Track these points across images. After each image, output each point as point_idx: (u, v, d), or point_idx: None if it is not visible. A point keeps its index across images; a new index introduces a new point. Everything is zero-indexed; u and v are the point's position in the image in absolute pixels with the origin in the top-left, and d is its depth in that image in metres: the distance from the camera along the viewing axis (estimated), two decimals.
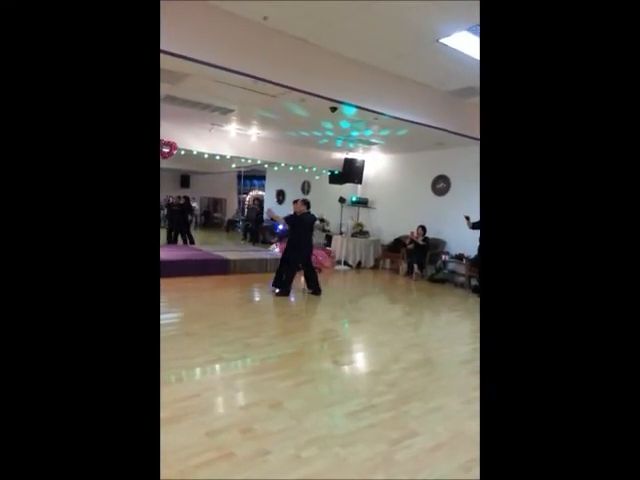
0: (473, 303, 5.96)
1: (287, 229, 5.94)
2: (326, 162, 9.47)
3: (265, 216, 6.45)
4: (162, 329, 3.89)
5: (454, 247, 7.66)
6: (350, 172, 9.25)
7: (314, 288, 5.74)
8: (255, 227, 11.98)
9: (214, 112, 6.25)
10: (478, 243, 6.30)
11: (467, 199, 7.17)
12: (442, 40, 3.73)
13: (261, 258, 7.46)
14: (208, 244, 10.08)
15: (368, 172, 9.64)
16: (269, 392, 2.72)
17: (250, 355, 3.38)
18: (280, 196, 13.19)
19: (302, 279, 5.96)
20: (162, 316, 4.39)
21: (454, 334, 4.57)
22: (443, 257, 7.63)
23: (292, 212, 5.77)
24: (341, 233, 9.24)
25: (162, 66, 4.07)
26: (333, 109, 5.24)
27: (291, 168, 9.61)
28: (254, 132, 7.90)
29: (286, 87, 4.13)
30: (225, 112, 6.24)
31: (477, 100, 4.95)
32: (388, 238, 8.98)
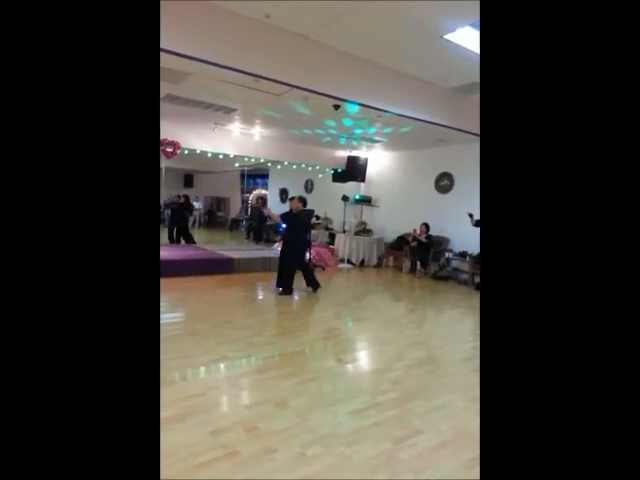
0: (476, 300, 5.94)
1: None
2: (329, 160, 9.45)
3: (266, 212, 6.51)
4: (166, 328, 3.90)
5: (457, 245, 7.64)
6: (353, 170, 9.24)
7: (312, 284, 5.75)
8: (259, 226, 11.99)
9: (217, 111, 6.25)
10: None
11: (470, 196, 7.14)
12: (446, 36, 3.72)
13: (264, 257, 7.46)
14: (212, 243, 10.11)
15: (371, 170, 9.62)
16: (273, 390, 2.73)
17: (254, 354, 3.38)
18: (283, 195, 13.19)
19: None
20: (166, 315, 4.40)
21: (457, 332, 4.57)
22: (446, 255, 7.62)
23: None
24: (344, 231, 9.22)
25: (165, 65, 4.08)
26: (336, 107, 5.23)
27: (294, 166, 9.60)
28: (257, 131, 7.90)
29: (289, 85, 4.13)
30: (228, 111, 6.24)
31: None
32: (391, 236, 8.96)
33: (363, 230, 9.02)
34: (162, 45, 3.14)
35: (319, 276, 7.36)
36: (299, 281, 5.81)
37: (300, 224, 5.59)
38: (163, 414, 2.28)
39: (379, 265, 8.87)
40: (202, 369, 3.03)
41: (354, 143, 8.44)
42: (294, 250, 5.59)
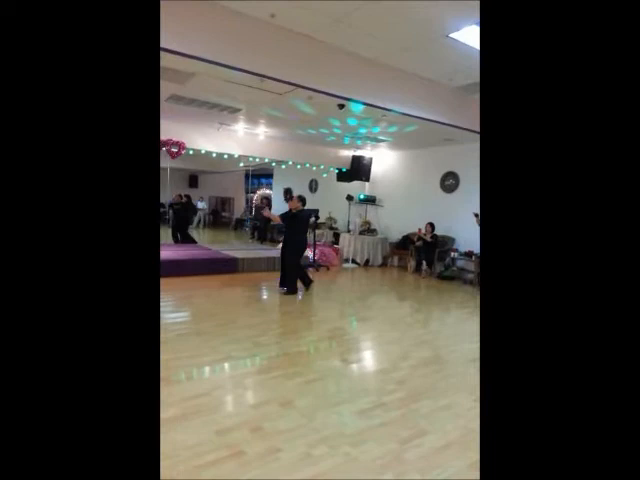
0: None
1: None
2: (334, 160, 9.44)
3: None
4: (171, 328, 3.91)
5: (463, 244, 7.61)
6: (358, 169, 9.22)
7: (305, 283, 5.74)
8: (263, 226, 12.00)
9: (222, 111, 6.26)
10: None
11: (476, 196, 7.10)
12: (451, 35, 3.69)
13: (269, 257, 7.46)
14: (216, 243, 10.13)
15: (376, 169, 9.60)
16: (279, 390, 2.73)
17: (259, 353, 3.38)
18: (288, 194, 13.18)
19: (310, 277, 5.96)
20: (171, 315, 4.41)
21: (463, 331, 4.54)
22: (452, 254, 7.58)
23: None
24: (349, 231, 9.21)
25: (170, 66, 4.09)
26: (341, 106, 5.23)
27: (299, 166, 9.60)
28: (262, 131, 7.90)
29: (293, 85, 4.12)
30: (233, 111, 6.25)
31: None
32: (396, 236, 8.94)
33: (368, 230, 9.01)
34: (167, 45, 3.15)
35: (324, 276, 7.37)
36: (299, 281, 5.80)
37: (299, 224, 5.55)
38: (168, 413, 2.29)
39: (384, 265, 8.85)
40: (207, 369, 3.03)
41: (358, 142, 8.42)
42: (295, 250, 5.56)
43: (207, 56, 3.48)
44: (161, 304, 4.60)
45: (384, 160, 9.63)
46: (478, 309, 5.44)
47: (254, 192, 14.98)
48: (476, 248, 7.13)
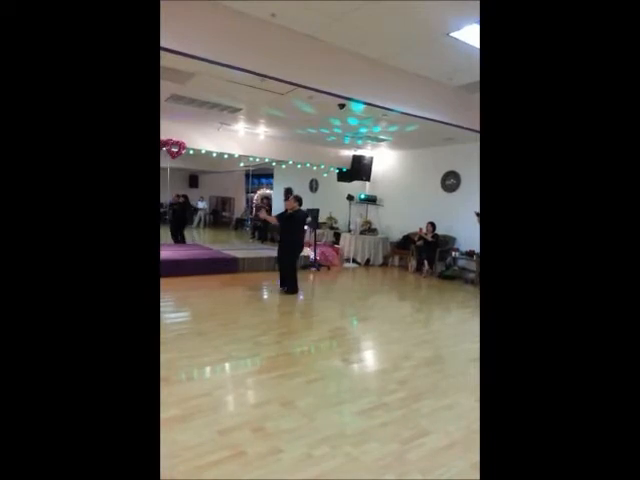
0: None
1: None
2: (334, 159, 9.44)
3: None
4: (172, 328, 3.91)
5: (464, 244, 7.60)
6: (358, 169, 9.21)
7: (290, 286, 5.61)
8: (263, 226, 12.00)
9: (222, 111, 6.25)
10: None
11: (477, 195, 7.07)
12: (452, 34, 3.69)
13: (269, 256, 7.46)
14: (217, 243, 10.12)
15: (376, 169, 9.59)
16: (280, 390, 2.72)
17: (260, 353, 3.38)
18: (288, 194, 13.18)
19: (311, 277, 5.95)
20: (172, 315, 4.42)
21: (464, 331, 4.53)
22: (453, 254, 7.57)
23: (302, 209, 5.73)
24: (349, 231, 9.21)
25: (170, 65, 4.08)
26: (341, 106, 5.22)
27: (299, 166, 9.60)
28: (262, 130, 7.90)
29: (294, 84, 4.12)
30: (233, 111, 6.24)
31: None
32: (397, 235, 8.93)
33: (368, 229, 9.00)
34: (168, 45, 3.14)
35: (324, 275, 7.37)
36: (301, 282, 5.79)
37: (296, 224, 5.53)
38: (169, 414, 2.28)
39: (385, 264, 8.85)
40: (208, 369, 3.03)
41: (359, 142, 8.41)
42: (292, 250, 5.54)
43: (207, 56, 3.47)
44: (162, 304, 4.60)
45: (385, 160, 9.62)
46: (479, 309, 5.42)
47: (254, 192, 14.97)
48: (477, 247, 7.12)
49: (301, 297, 5.55)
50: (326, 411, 2.48)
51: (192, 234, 12.71)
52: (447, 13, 3.37)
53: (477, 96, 5.38)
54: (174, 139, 7.24)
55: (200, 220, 15.25)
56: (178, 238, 9.66)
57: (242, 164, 11.58)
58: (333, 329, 4.28)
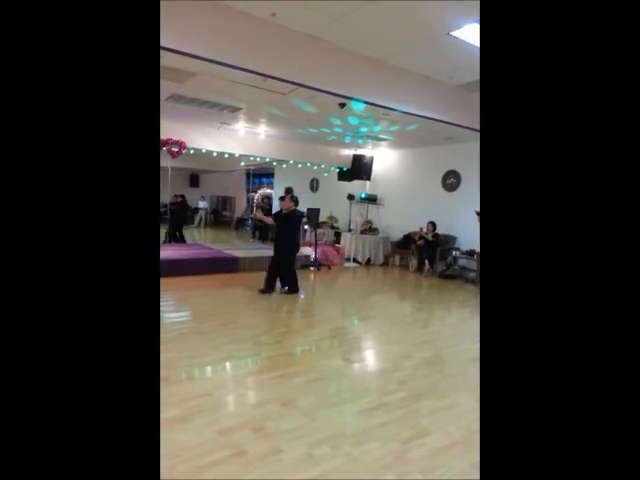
0: None
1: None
2: (335, 159, 9.43)
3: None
4: (173, 327, 3.91)
5: (465, 243, 7.59)
6: (359, 169, 9.20)
7: (269, 286, 5.51)
8: (264, 225, 11.99)
9: (222, 110, 6.25)
10: None
11: (478, 195, 7.07)
12: (452, 33, 3.68)
13: (270, 256, 7.44)
14: (217, 242, 10.12)
15: (377, 168, 9.58)
16: (280, 390, 2.72)
17: (261, 353, 3.38)
18: (289, 194, 13.16)
19: (312, 276, 5.95)
20: (172, 314, 4.42)
21: (465, 331, 4.53)
22: (454, 253, 7.57)
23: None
24: (350, 230, 9.20)
25: (170, 65, 4.08)
26: (342, 105, 5.21)
27: (300, 165, 9.59)
28: (262, 130, 7.89)
29: (295, 84, 4.11)
30: (233, 110, 6.24)
31: None
32: (398, 235, 8.92)
33: (369, 229, 9.00)
34: (168, 44, 3.14)
35: (325, 275, 7.36)
36: (302, 282, 5.77)
37: (291, 224, 5.50)
38: (170, 414, 2.29)
39: (385, 264, 8.84)
40: (209, 368, 3.03)
41: (360, 141, 8.41)
42: (289, 250, 5.50)
43: (207, 55, 3.47)
44: (162, 304, 4.60)
45: (385, 159, 9.61)
46: (479, 308, 5.42)
47: (255, 191, 14.97)
48: (478, 247, 7.11)
49: (302, 296, 5.55)
50: (326, 411, 2.48)
51: (193, 233, 12.73)
52: (447, 12, 3.37)
53: (477, 95, 5.36)
54: (174, 138, 7.24)
55: (201, 219, 15.26)
56: (176, 237, 9.66)
57: (243, 163, 11.58)
58: (334, 328, 4.28)
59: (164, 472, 1.67)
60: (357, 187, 9.77)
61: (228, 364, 3.14)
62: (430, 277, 7.53)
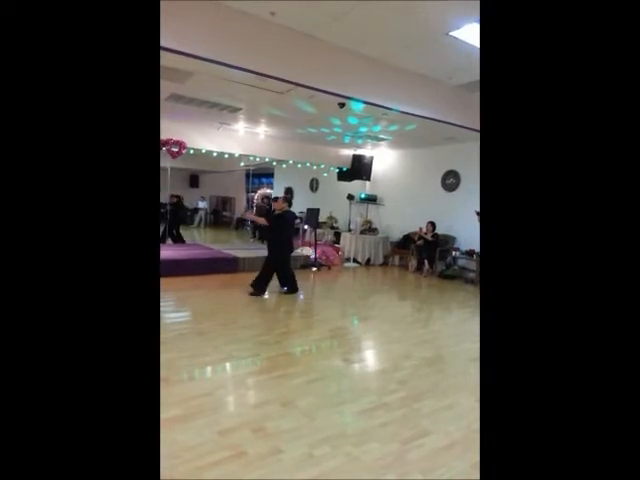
0: None
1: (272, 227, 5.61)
2: (334, 159, 9.43)
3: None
4: (173, 327, 3.91)
5: (464, 243, 7.59)
6: (358, 169, 9.20)
7: (260, 288, 5.43)
8: (264, 225, 11.98)
9: (222, 111, 6.25)
10: None
11: (477, 195, 7.06)
12: (452, 33, 3.68)
13: None
14: (217, 242, 10.12)
15: (377, 168, 9.58)
16: (280, 390, 2.72)
17: (261, 353, 3.38)
18: (288, 194, 13.18)
19: (312, 276, 5.94)
20: (173, 315, 4.41)
21: (465, 330, 4.53)
22: (453, 253, 7.57)
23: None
24: (350, 230, 9.20)
25: (170, 65, 4.08)
26: (341, 105, 5.21)
27: (299, 165, 9.59)
28: (262, 130, 7.89)
29: (294, 84, 4.11)
30: (233, 110, 6.24)
31: None
32: (397, 235, 8.92)
33: (369, 229, 9.00)
34: (167, 44, 3.14)
35: (325, 275, 7.36)
36: (303, 282, 5.77)
37: (285, 224, 5.48)
38: (170, 414, 2.28)
39: (385, 264, 8.84)
40: (209, 368, 3.03)
41: (359, 142, 8.41)
42: (283, 250, 5.47)
43: (207, 55, 3.47)
44: (162, 304, 4.60)
45: (385, 159, 9.61)
46: (479, 308, 5.42)
47: (255, 191, 14.96)
48: (477, 247, 7.11)
49: (301, 297, 5.55)
50: (326, 411, 2.48)
51: (193, 234, 12.72)
52: (447, 12, 3.37)
53: (477, 95, 5.37)
54: (174, 139, 7.24)
55: (201, 220, 15.25)
56: (173, 236, 9.64)
57: (242, 164, 11.57)
58: (334, 329, 4.28)
59: (164, 472, 1.67)
60: (357, 187, 9.77)
61: (228, 364, 3.14)
62: (429, 277, 7.53)
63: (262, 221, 5.84)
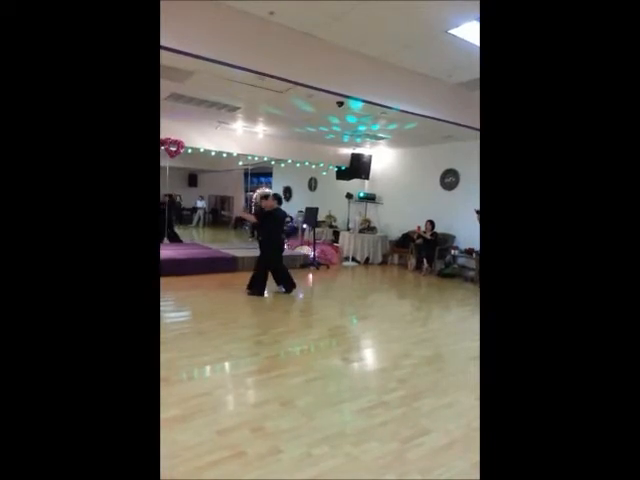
0: None
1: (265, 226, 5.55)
2: (333, 158, 9.42)
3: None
4: (172, 327, 3.91)
5: (463, 242, 7.60)
6: (357, 167, 9.20)
7: (258, 287, 5.40)
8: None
9: (220, 110, 6.24)
10: None
11: (476, 193, 7.08)
12: (451, 31, 3.68)
13: None
14: (216, 242, 10.11)
15: (375, 167, 9.58)
16: (279, 390, 2.72)
17: (260, 352, 3.38)
18: (287, 193, 13.17)
19: (310, 275, 5.94)
20: (172, 314, 4.41)
21: (465, 329, 4.53)
22: (452, 252, 7.57)
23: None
24: (349, 229, 9.20)
25: (169, 64, 4.07)
26: (340, 104, 5.21)
27: (298, 165, 9.58)
28: (260, 129, 7.88)
29: (293, 83, 4.11)
30: (231, 109, 6.23)
31: None
32: (396, 234, 8.93)
33: (367, 228, 9.00)
34: (166, 43, 3.13)
35: (324, 274, 7.36)
36: (302, 282, 5.77)
37: (275, 222, 5.47)
38: (168, 414, 2.28)
39: (384, 263, 8.85)
40: (208, 368, 3.02)
41: (358, 140, 8.40)
42: (275, 249, 5.43)
43: (206, 54, 3.46)
44: (161, 303, 4.59)
45: (384, 158, 9.61)
46: (478, 307, 5.43)
47: (253, 191, 14.95)
48: (476, 245, 7.12)
49: (300, 296, 5.55)
50: (326, 410, 2.48)
51: (191, 233, 12.71)
52: (446, 10, 3.36)
53: (476, 93, 5.37)
54: (172, 138, 7.23)
55: (199, 219, 15.23)
56: (170, 236, 9.61)
57: (241, 163, 11.57)
58: (333, 328, 4.28)
59: (164, 472, 1.66)
60: (355, 186, 9.77)
61: (227, 364, 3.14)
62: (429, 276, 7.54)
63: (252, 218, 5.80)
